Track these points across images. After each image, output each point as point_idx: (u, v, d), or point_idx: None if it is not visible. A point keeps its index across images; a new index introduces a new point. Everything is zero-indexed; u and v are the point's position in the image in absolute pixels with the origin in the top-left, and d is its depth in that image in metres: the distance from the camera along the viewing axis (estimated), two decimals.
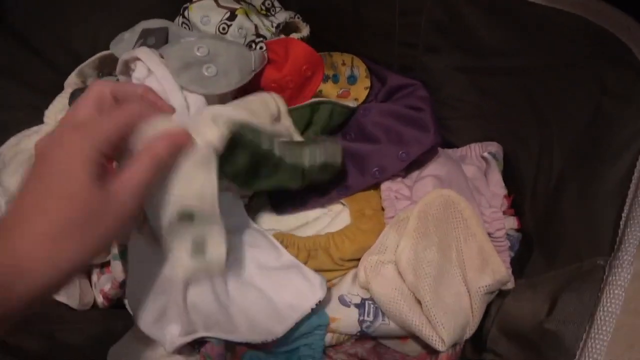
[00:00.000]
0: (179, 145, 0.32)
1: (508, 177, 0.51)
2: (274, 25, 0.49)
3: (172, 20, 0.54)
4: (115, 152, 0.30)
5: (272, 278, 0.43)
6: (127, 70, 0.44)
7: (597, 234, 0.31)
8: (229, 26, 0.48)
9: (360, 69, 0.54)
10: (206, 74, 0.41)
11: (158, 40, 0.51)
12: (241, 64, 0.43)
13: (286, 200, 0.49)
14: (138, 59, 0.41)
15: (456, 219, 0.45)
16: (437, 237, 0.44)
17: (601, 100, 0.35)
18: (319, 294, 0.42)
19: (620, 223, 0.28)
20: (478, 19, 0.41)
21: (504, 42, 0.42)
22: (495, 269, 0.42)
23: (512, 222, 0.48)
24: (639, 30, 0.32)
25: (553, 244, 0.41)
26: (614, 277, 0.26)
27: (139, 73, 0.41)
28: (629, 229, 0.27)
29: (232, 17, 0.48)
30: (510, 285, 0.43)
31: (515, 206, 0.50)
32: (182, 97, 0.40)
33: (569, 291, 0.31)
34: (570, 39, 0.36)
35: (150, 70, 0.40)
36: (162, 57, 0.42)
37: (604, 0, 0.34)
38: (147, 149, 0.30)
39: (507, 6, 0.38)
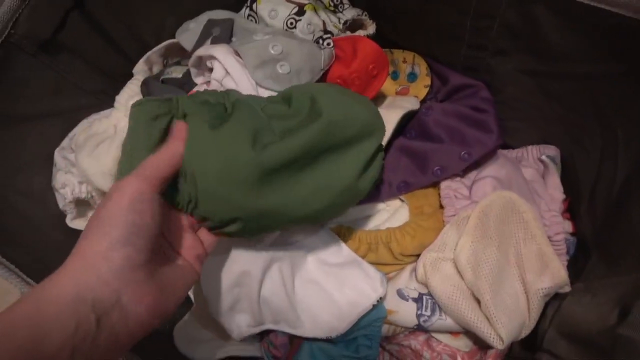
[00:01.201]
0: None
1: (564, 180, 0.51)
2: (342, 21, 0.50)
3: (234, 10, 0.56)
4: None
5: (334, 275, 0.45)
6: (200, 63, 0.45)
7: None
8: (296, 21, 0.49)
9: (421, 67, 0.54)
10: (280, 71, 0.42)
11: (223, 32, 0.52)
12: (312, 63, 0.44)
13: None
14: (214, 57, 0.42)
15: (517, 221, 0.45)
16: (497, 237, 0.45)
17: None
18: (380, 291, 0.44)
19: None
20: (552, 24, 0.41)
21: (575, 47, 0.42)
22: (555, 273, 0.43)
23: (567, 226, 0.49)
24: None
25: (615, 250, 0.42)
26: None
27: (216, 74, 0.42)
28: None
29: (301, 12, 0.49)
30: (567, 288, 0.44)
31: (570, 210, 0.51)
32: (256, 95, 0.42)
33: None
34: None
35: (227, 71, 0.42)
36: (237, 54, 0.43)
37: None
38: None
39: (584, 13, 0.38)
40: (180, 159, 0.33)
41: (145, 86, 0.50)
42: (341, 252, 0.46)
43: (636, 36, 0.36)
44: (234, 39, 0.52)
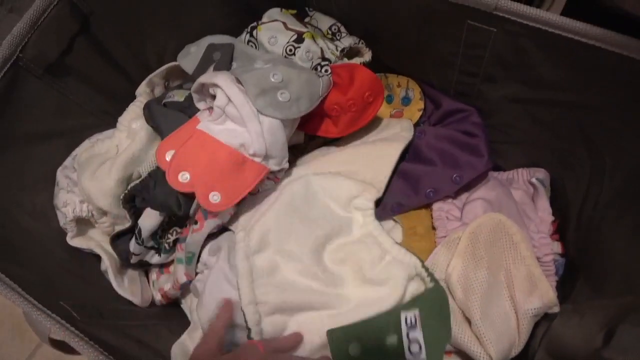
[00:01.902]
0: None
1: (553, 202, 0.53)
2: (339, 49, 0.51)
3: (235, 34, 0.58)
4: None
5: None
6: (202, 89, 0.47)
7: None
8: (295, 48, 0.51)
9: (415, 91, 0.56)
10: (280, 99, 0.44)
11: (224, 56, 0.54)
12: (311, 91, 0.46)
13: None
14: (217, 85, 0.44)
15: (506, 243, 0.47)
16: (487, 258, 0.47)
17: None
18: None
19: None
20: (539, 56, 0.43)
21: (562, 78, 0.43)
22: (544, 294, 0.44)
23: (556, 247, 0.50)
24: None
25: (600, 273, 0.43)
26: None
27: (219, 101, 0.44)
28: None
29: (300, 39, 0.51)
30: (557, 309, 0.45)
31: (560, 232, 0.52)
32: (258, 122, 0.43)
33: (627, 323, 0.33)
34: (631, 82, 0.38)
35: (230, 99, 0.43)
36: (238, 81, 0.44)
37: None
38: None
39: (571, 47, 0.39)
40: None
41: (148, 110, 0.51)
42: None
43: (615, 69, 0.38)
44: (234, 63, 0.53)
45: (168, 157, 0.44)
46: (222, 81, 0.43)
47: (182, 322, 0.54)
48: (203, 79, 0.45)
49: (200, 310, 0.46)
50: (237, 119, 0.44)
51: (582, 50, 0.39)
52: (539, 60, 0.43)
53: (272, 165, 0.45)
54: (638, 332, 0.31)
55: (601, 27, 0.37)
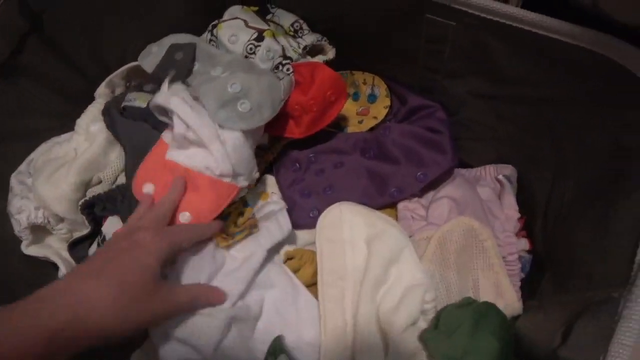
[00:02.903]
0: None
1: (520, 198, 0.52)
2: (301, 46, 0.50)
3: (199, 32, 0.56)
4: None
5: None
6: (158, 109, 0.46)
7: (612, 266, 0.33)
8: (256, 47, 0.49)
9: (381, 88, 0.55)
10: (241, 109, 0.42)
11: (186, 56, 0.52)
12: (272, 97, 0.45)
13: (304, 215, 0.50)
14: (172, 110, 0.43)
15: (477, 249, 0.46)
16: (456, 263, 0.46)
17: (621, 134, 0.37)
18: None
19: (636, 259, 0.30)
20: (500, 50, 0.42)
21: (524, 72, 0.43)
22: (509, 303, 0.44)
23: (524, 244, 0.50)
24: None
25: (564, 268, 0.43)
26: (629, 311, 0.28)
27: (178, 129, 0.42)
28: None
29: (260, 38, 0.50)
30: (520, 312, 0.45)
31: (527, 227, 0.52)
32: (220, 143, 0.42)
33: (583, 320, 0.33)
34: (591, 75, 0.38)
35: (187, 124, 0.42)
36: (195, 97, 0.43)
37: (627, 40, 0.35)
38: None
39: (530, 40, 0.39)
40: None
41: (108, 116, 0.50)
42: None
43: (576, 62, 0.38)
44: (196, 63, 0.52)
45: (145, 190, 0.44)
46: (176, 106, 0.42)
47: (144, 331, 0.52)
48: (159, 100, 0.43)
49: None
50: (199, 142, 0.42)
51: (541, 43, 0.38)
52: (499, 55, 0.42)
53: (242, 182, 0.44)
54: (593, 329, 0.30)
55: (558, 19, 0.36)
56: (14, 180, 0.50)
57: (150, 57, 0.54)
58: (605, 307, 0.31)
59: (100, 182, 0.51)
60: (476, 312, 0.40)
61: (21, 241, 0.49)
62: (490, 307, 0.41)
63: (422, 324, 0.44)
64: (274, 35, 0.49)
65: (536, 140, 0.48)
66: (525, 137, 0.49)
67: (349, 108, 0.57)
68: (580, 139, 0.43)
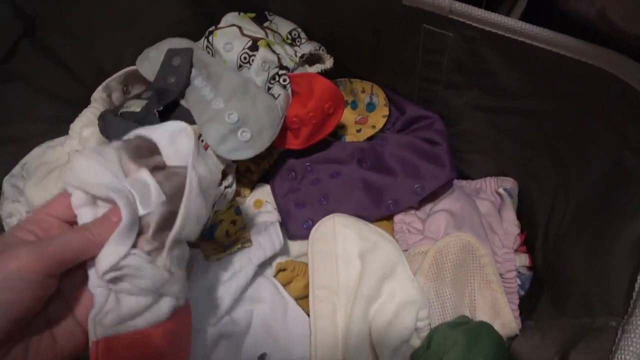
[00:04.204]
0: None
1: (521, 213, 0.51)
2: (299, 55, 0.49)
3: (195, 37, 0.56)
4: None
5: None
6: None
7: (610, 293, 0.31)
8: (250, 56, 0.48)
9: (380, 97, 0.54)
10: (242, 139, 0.42)
11: (183, 61, 0.52)
12: (271, 119, 0.44)
13: (297, 226, 0.49)
14: None
15: (474, 265, 0.45)
16: (452, 279, 0.45)
17: (622, 153, 0.35)
18: None
19: (635, 285, 0.28)
20: (497, 62, 0.41)
21: (522, 85, 0.42)
22: (506, 323, 0.43)
23: (524, 260, 0.48)
24: None
25: (563, 291, 0.41)
26: (626, 342, 0.26)
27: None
28: None
29: (254, 47, 0.48)
30: (517, 332, 0.44)
31: (527, 243, 0.50)
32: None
33: (580, 348, 0.31)
34: (590, 89, 0.36)
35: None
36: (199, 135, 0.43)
37: (628, 55, 0.34)
38: None
39: (527, 52, 0.38)
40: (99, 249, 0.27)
41: (103, 121, 0.49)
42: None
43: (574, 75, 0.36)
44: (193, 70, 0.51)
45: None
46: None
47: None
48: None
49: None
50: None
51: (539, 56, 0.37)
52: (497, 66, 0.41)
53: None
54: (590, 356, 0.29)
55: (557, 32, 0.35)
56: (6, 183, 0.49)
57: (148, 62, 0.54)
58: (602, 336, 0.29)
59: None
60: (470, 333, 0.38)
61: None
62: (485, 328, 0.40)
63: (416, 341, 0.43)
64: (268, 45, 0.48)
65: (536, 155, 0.47)
66: (525, 151, 0.48)
67: (347, 116, 0.56)
68: (579, 153, 0.42)
